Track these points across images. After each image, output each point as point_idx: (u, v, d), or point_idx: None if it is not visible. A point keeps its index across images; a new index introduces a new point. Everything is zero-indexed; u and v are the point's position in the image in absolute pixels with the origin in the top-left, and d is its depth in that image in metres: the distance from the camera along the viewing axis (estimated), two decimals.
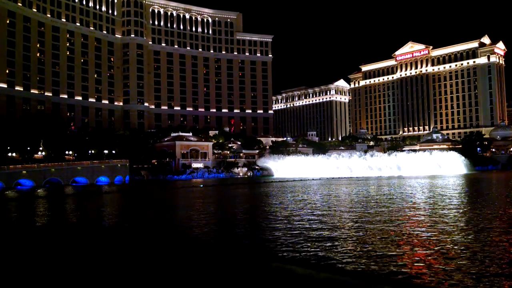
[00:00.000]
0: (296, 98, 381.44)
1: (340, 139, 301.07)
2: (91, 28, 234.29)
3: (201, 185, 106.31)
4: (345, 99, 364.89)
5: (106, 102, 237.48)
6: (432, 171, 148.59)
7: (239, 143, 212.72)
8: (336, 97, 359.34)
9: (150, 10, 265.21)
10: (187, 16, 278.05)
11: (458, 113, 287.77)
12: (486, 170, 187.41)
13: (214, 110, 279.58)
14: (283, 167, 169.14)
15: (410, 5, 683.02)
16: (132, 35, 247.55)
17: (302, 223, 33.56)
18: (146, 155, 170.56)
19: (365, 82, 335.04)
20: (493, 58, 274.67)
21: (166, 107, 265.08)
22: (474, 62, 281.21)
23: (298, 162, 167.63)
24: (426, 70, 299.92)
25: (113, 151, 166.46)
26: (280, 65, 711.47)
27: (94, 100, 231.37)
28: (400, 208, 43.33)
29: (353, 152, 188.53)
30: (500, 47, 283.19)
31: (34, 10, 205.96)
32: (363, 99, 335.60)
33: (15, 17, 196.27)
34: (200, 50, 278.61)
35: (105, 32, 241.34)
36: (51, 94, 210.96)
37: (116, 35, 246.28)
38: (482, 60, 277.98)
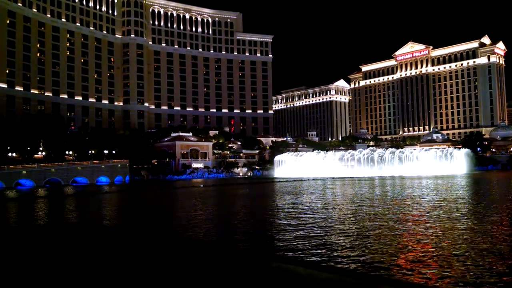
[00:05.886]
0: (296, 98, 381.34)
1: (340, 139, 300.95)
2: (91, 28, 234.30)
3: (201, 185, 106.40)
4: (345, 99, 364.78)
5: (106, 102, 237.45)
6: (432, 171, 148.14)
7: (239, 143, 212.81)
8: (336, 97, 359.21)
9: (150, 10, 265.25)
10: (187, 16, 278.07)
11: (458, 113, 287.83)
12: (486, 170, 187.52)
13: (214, 110, 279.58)
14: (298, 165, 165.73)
15: (410, 5, 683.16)
16: (132, 35, 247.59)
17: (303, 223, 33.54)
18: (146, 155, 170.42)
19: (365, 82, 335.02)
20: (493, 58, 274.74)
21: (166, 107, 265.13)
22: (474, 62, 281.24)
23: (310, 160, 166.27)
24: (426, 70, 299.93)
25: (113, 151, 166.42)
26: (280, 65, 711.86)
27: (94, 100, 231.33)
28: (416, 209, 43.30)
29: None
30: (500, 47, 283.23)
31: (34, 10, 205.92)
32: (363, 99, 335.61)
33: (15, 17, 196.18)
34: (200, 50, 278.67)
35: (105, 32, 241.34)
36: (51, 94, 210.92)
37: (116, 35, 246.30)
38: (482, 60, 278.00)
